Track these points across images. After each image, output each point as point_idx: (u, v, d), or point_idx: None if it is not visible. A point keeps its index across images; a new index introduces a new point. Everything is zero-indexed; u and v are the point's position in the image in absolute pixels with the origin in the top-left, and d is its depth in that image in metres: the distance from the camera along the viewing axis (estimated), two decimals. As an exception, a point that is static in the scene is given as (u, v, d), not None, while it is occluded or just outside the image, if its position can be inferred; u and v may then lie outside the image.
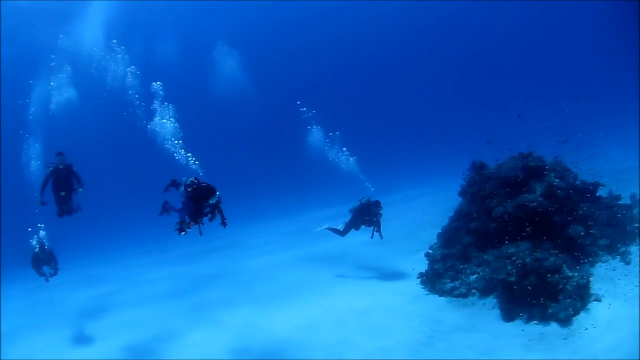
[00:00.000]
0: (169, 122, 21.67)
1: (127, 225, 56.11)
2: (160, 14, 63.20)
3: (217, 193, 16.31)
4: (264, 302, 21.85)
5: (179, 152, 19.97)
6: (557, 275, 16.13)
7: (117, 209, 63.74)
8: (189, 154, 19.75)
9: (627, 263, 17.87)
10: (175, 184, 17.66)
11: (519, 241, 17.98)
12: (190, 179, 16.68)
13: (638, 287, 15.97)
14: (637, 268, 17.31)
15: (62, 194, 20.82)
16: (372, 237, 22.73)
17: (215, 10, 67.00)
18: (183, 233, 16.29)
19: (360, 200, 23.06)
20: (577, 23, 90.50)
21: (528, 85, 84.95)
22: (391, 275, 22.07)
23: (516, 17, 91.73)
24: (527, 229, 18.31)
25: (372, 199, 22.77)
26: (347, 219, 23.62)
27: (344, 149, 27.27)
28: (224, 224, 17.12)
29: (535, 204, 18.45)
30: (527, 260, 16.48)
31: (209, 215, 17.02)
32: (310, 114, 29.22)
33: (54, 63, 32.62)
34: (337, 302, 19.50)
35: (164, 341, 19.06)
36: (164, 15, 63.72)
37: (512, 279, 16.39)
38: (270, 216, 50.37)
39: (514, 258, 16.90)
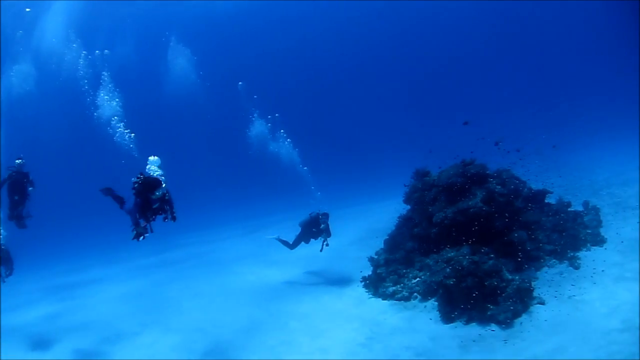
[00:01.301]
0: (114, 101, 21.68)
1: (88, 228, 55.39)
2: (120, 13, 62.69)
3: (164, 185, 16.18)
4: (212, 306, 21.95)
5: (119, 131, 19.89)
6: (495, 278, 16.43)
7: (77, 212, 62.86)
8: (128, 130, 19.67)
9: (576, 268, 18.16)
10: (110, 192, 17.62)
11: (459, 246, 18.24)
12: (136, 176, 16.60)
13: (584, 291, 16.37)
14: (586, 272, 17.65)
15: (16, 198, 20.77)
16: (321, 251, 22.91)
17: (171, 11, 66.40)
18: (141, 238, 16.15)
19: (310, 214, 23.23)
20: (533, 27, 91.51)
21: (481, 95, 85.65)
22: (337, 280, 22.21)
23: (472, 25, 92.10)
24: (468, 234, 18.58)
25: (322, 212, 22.97)
26: (297, 232, 23.78)
27: (288, 139, 27.50)
28: (173, 218, 16.93)
29: (475, 209, 18.73)
30: (465, 263, 16.68)
31: (162, 215, 16.88)
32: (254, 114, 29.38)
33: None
34: (283, 306, 19.64)
35: (113, 343, 18.99)
36: (124, 14, 63.20)
37: (450, 281, 16.53)
38: (223, 220, 50.14)
39: (452, 262, 17.12)
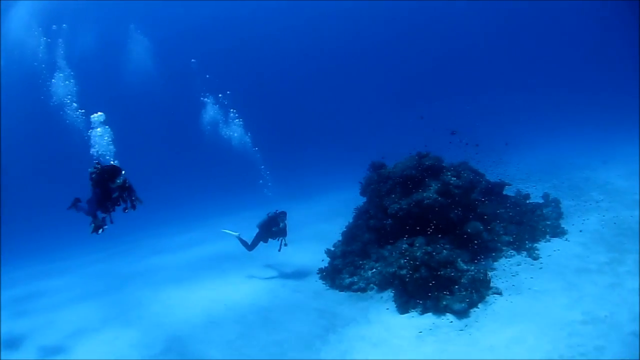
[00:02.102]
0: (68, 82, 21.02)
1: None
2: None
3: (123, 172, 15.21)
4: (171, 301, 21.17)
5: (72, 111, 19.15)
6: (450, 269, 15.92)
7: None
8: (81, 110, 18.91)
9: (535, 259, 17.72)
10: (77, 203, 16.70)
11: (415, 237, 17.72)
12: (93, 165, 15.63)
13: (543, 281, 15.87)
14: (545, 263, 17.24)
15: None
16: (279, 251, 22.16)
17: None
18: (100, 231, 15.22)
19: (267, 214, 22.42)
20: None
21: (440, 89, 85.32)
22: (295, 273, 21.86)
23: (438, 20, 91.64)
24: (423, 225, 18.06)
25: (279, 211, 22.25)
26: (255, 233, 22.93)
27: (238, 119, 26.96)
28: (133, 206, 15.89)
29: (429, 201, 18.20)
30: (418, 254, 16.18)
31: (122, 205, 15.92)
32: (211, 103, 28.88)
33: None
34: (241, 300, 19.21)
35: (75, 340, 18.60)
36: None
37: (404, 272, 16.02)
38: (183, 215, 49.24)
39: (406, 253, 16.56)
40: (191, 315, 18.47)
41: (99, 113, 16.65)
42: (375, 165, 21.83)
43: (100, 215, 15.47)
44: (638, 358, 10.47)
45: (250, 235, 23.02)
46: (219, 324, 17.11)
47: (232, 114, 27.54)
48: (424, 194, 18.09)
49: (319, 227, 29.65)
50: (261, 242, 22.71)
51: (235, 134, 27.24)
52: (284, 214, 22.18)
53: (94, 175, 15.18)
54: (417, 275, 15.54)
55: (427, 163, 19.30)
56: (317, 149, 70.58)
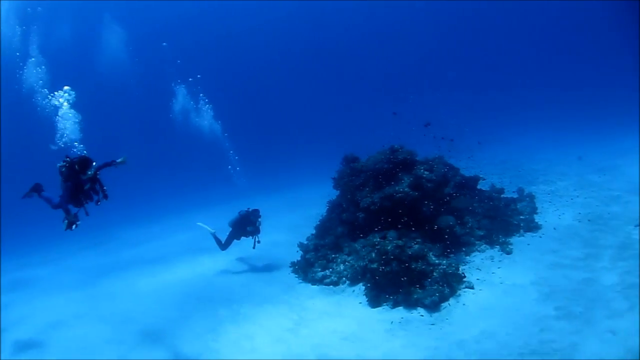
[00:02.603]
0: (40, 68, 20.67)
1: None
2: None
3: (94, 163, 14.64)
4: (143, 295, 20.61)
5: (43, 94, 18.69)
6: (421, 263, 15.59)
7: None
8: (51, 94, 18.46)
9: (508, 253, 17.50)
10: (37, 188, 16.17)
11: (387, 231, 17.34)
12: (62, 160, 15.06)
13: (515, 276, 15.57)
14: (519, 257, 17.01)
15: None
16: (254, 248, 21.57)
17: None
18: (74, 227, 14.67)
19: (239, 212, 21.93)
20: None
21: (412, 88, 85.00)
22: (268, 267, 21.53)
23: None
24: (395, 219, 17.70)
25: (251, 209, 21.79)
26: (228, 232, 22.47)
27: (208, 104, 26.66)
28: (105, 196, 15.27)
29: (401, 194, 17.88)
30: (389, 247, 15.85)
31: (94, 196, 15.36)
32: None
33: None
34: (213, 294, 18.93)
35: (49, 334, 17.98)
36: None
37: (374, 265, 15.75)
38: (159, 209, 48.38)
39: (377, 246, 16.21)
40: (163, 309, 18.24)
41: (66, 87, 16.20)
42: (348, 159, 21.50)
43: (73, 209, 14.95)
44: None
45: (224, 235, 22.55)
46: (191, 317, 16.74)
47: (201, 99, 27.10)
48: (396, 188, 17.88)
49: (294, 220, 29.19)
50: (235, 240, 22.22)
51: (205, 121, 26.79)
52: (256, 211, 21.72)
53: (63, 169, 14.60)
54: (388, 269, 15.31)
55: (399, 157, 19.10)
56: (292, 141, 70.15)
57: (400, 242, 15.89)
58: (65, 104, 15.86)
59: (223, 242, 22.36)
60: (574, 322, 12.32)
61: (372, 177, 19.15)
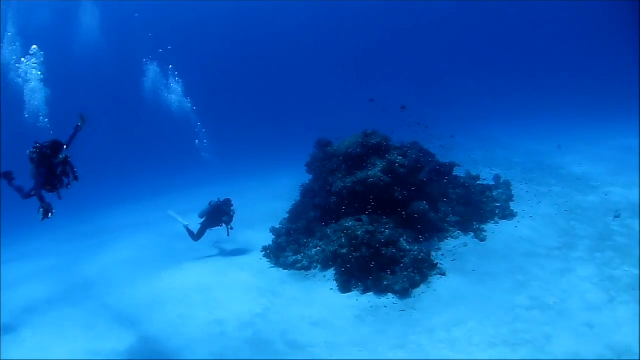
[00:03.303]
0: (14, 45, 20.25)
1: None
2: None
3: (65, 146, 14.14)
4: (116, 280, 19.97)
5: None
6: (392, 248, 15.15)
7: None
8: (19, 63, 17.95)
9: (482, 240, 17.12)
10: (7, 176, 15.59)
11: (359, 215, 16.84)
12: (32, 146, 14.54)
13: (488, 263, 15.20)
14: (492, 245, 16.62)
15: None
16: (228, 235, 21.33)
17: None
18: (50, 215, 14.11)
19: (210, 203, 21.33)
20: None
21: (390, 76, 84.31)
22: (241, 251, 21.07)
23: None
24: (368, 204, 17.31)
25: (222, 199, 21.29)
26: (200, 223, 21.82)
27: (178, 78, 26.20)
28: (75, 177, 14.79)
29: (373, 179, 17.35)
30: (359, 233, 15.36)
31: (65, 180, 14.85)
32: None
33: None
34: (184, 279, 18.44)
35: (23, 319, 17.44)
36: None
37: (344, 251, 15.30)
38: (134, 191, 47.54)
39: (348, 231, 15.71)
40: (136, 295, 17.78)
41: (34, 47, 15.73)
42: (322, 143, 20.95)
43: (47, 197, 14.42)
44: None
45: (195, 227, 21.96)
46: (163, 303, 16.34)
47: (172, 75, 26.59)
48: (369, 173, 17.44)
49: (269, 205, 28.54)
50: (207, 229, 21.63)
51: (173, 96, 26.30)
52: (228, 201, 21.22)
53: (34, 156, 14.08)
54: (357, 254, 14.96)
55: (372, 141, 18.74)
56: (268, 125, 69.53)
57: (370, 228, 15.52)
58: (35, 71, 15.38)
59: (196, 234, 21.71)
60: (548, 312, 11.83)
61: (344, 162, 18.81)
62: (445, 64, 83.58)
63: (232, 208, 21.11)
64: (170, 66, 26.42)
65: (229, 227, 21.03)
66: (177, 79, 25.93)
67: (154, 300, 16.74)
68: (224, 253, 21.53)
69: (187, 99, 25.61)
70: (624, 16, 53.76)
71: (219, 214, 21.04)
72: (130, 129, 71.58)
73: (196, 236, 21.61)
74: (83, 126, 14.71)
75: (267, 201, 30.05)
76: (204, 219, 21.35)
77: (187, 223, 22.18)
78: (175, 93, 26.20)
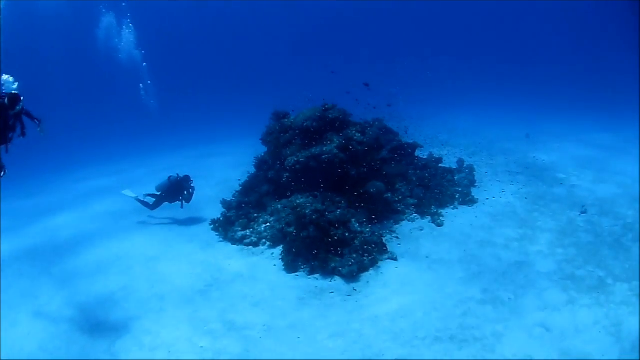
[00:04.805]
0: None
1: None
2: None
3: (22, 98, 13.21)
4: (64, 250, 18.73)
5: None
6: (342, 229, 14.31)
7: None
8: None
9: (439, 225, 16.40)
10: None
11: (311, 192, 16.05)
12: None
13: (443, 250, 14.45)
14: (449, 231, 15.95)
15: None
16: (182, 207, 20.58)
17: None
18: (3, 174, 13.14)
19: (169, 178, 20.38)
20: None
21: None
22: (193, 221, 20.27)
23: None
24: (322, 181, 16.46)
25: (181, 175, 20.43)
26: (157, 196, 20.90)
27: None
28: (23, 134, 13.95)
29: (328, 155, 16.39)
30: (307, 211, 14.41)
31: (17, 133, 13.88)
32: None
33: None
34: (131, 249, 17.66)
35: None
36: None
37: (291, 229, 14.44)
38: (85, 160, 46.31)
39: (298, 209, 14.75)
40: (80, 264, 16.85)
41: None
42: (278, 115, 19.81)
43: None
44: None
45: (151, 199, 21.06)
46: (106, 273, 15.64)
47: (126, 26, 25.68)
48: (324, 148, 16.56)
49: (226, 175, 27.72)
50: (166, 202, 20.85)
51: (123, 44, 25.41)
52: (187, 177, 20.43)
53: None
54: (304, 233, 14.15)
55: (330, 115, 17.80)
56: (227, 94, 68.53)
57: (320, 207, 14.66)
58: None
59: (151, 204, 20.86)
60: (501, 309, 10.91)
61: (299, 135, 17.85)
62: (417, 45, 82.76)
63: (191, 185, 20.45)
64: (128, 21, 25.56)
65: (183, 200, 20.46)
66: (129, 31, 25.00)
67: (98, 270, 16.04)
68: (175, 222, 20.64)
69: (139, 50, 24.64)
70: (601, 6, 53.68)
71: (178, 190, 20.36)
72: (86, 89, 70.34)
73: (152, 206, 20.82)
74: (41, 134, 13.92)
75: (224, 170, 29.27)
76: (160, 193, 20.56)
77: (136, 195, 21.46)
78: (126, 43, 25.27)
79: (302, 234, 14.18)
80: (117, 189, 24.99)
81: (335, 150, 16.50)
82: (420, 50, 79.61)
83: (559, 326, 10.14)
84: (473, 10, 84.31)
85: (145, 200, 21.07)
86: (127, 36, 25.67)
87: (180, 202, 20.49)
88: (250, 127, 23.22)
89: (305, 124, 17.73)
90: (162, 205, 20.85)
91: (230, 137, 41.85)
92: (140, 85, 22.13)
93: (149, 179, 21.59)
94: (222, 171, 29.07)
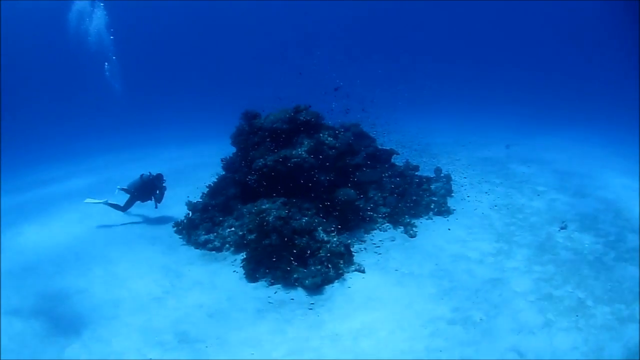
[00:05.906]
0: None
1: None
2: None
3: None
4: (27, 246, 17.97)
5: None
6: (306, 238, 13.62)
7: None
8: None
9: (411, 236, 15.73)
10: None
11: (278, 197, 15.26)
12: None
13: (414, 263, 13.70)
14: (421, 243, 15.22)
15: None
16: (156, 208, 20.03)
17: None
18: None
19: (141, 176, 19.88)
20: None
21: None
22: (158, 222, 19.66)
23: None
24: (290, 186, 15.90)
25: (153, 174, 19.87)
26: (126, 196, 20.37)
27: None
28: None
29: (297, 159, 15.70)
30: (270, 218, 13.69)
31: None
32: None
33: None
34: (92, 250, 16.85)
35: None
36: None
37: (252, 237, 13.69)
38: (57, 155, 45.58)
39: (262, 215, 14.01)
40: (38, 265, 15.97)
41: None
42: (248, 115, 18.96)
43: None
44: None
45: (117, 199, 20.49)
46: (64, 275, 14.91)
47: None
48: (293, 152, 15.91)
49: (197, 175, 26.97)
50: (138, 201, 20.30)
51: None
52: (160, 176, 19.90)
53: None
54: (267, 241, 13.46)
55: (302, 118, 17.09)
56: (199, 92, 68.20)
57: (283, 213, 13.90)
58: None
59: (123, 205, 20.27)
60: (472, 330, 10.17)
61: (268, 137, 17.28)
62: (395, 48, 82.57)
63: (163, 184, 19.90)
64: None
65: (156, 200, 19.91)
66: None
67: (56, 271, 15.27)
68: (140, 223, 19.97)
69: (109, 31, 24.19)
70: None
71: (149, 189, 19.81)
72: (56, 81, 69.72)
73: (124, 207, 20.31)
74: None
75: (195, 171, 28.60)
76: (132, 191, 20.04)
77: (104, 200, 20.74)
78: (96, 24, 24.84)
79: (264, 242, 13.50)
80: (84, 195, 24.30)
81: (305, 155, 15.83)
82: (401, 53, 79.41)
83: (533, 351, 9.40)
84: (458, 11, 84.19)
85: (114, 202, 20.48)
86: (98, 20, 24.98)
87: (153, 202, 19.98)
88: (227, 127, 22.54)
89: (274, 126, 17.05)
90: (133, 209, 20.39)
91: (205, 137, 41.06)
92: (105, 63, 21.45)
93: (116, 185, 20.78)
94: (195, 171, 28.49)
